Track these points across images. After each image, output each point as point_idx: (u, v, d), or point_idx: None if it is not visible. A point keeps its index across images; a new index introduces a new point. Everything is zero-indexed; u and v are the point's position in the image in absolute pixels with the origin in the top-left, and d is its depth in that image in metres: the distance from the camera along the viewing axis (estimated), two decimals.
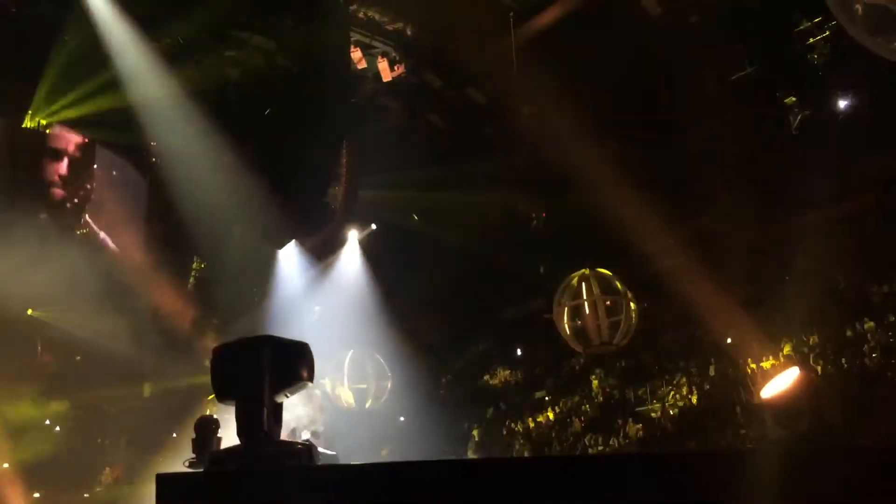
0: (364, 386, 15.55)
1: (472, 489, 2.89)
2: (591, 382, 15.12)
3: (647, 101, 12.97)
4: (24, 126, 12.59)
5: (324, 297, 16.56)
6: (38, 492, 14.13)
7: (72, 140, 13.55)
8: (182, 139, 13.08)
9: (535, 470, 3.03)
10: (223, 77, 13.41)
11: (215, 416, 4.68)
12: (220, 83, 13.32)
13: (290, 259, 16.15)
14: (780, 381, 4.78)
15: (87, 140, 13.76)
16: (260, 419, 3.56)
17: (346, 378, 15.31)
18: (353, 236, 16.53)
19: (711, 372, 13.30)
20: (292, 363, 3.71)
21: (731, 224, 12.70)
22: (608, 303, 12.38)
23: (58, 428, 15.64)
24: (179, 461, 4.54)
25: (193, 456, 4.45)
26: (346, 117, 13.96)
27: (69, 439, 15.48)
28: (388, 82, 14.72)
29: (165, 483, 3.50)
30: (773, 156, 12.81)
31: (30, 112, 12.52)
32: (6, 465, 13.95)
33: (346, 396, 15.39)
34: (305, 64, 13.43)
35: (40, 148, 13.24)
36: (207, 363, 3.76)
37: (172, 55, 12.53)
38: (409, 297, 15.94)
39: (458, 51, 13.28)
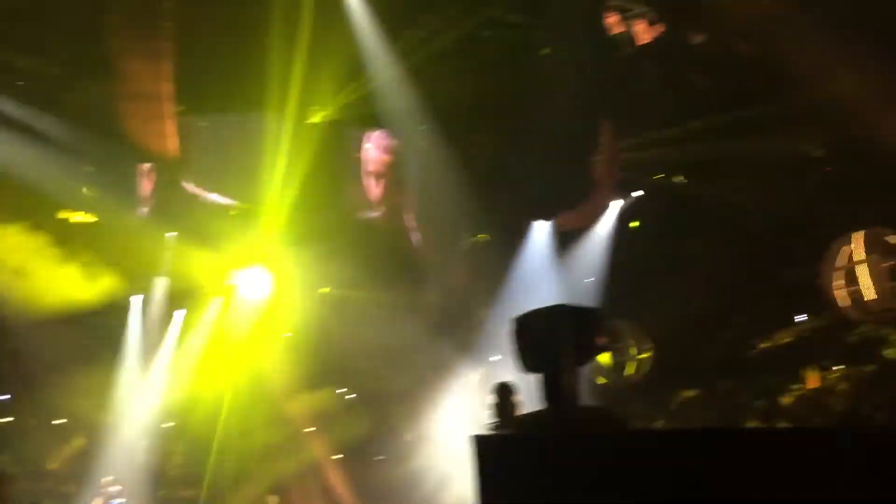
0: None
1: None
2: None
3: None
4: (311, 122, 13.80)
5: (576, 268, 16.65)
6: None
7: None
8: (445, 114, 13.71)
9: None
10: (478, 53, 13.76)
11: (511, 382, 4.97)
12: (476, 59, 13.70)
13: (541, 231, 16.47)
14: None
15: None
16: (564, 386, 3.70)
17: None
18: (616, 205, 16.32)
19: None
20: (590, 330, 3.84)
21: None
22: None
23: None
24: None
25: (497, 420, 4.73)
26: (602, 85, 13.84)
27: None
28: (645, 44, 14.38)
29: (481, 443, 3.75)
30: None
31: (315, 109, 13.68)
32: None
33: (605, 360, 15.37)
34: (559, 36, 13.49)
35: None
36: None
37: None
38: (677, 263, 15.44)
39: (721, 4, 12.63)
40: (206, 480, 15.44)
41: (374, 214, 14.60)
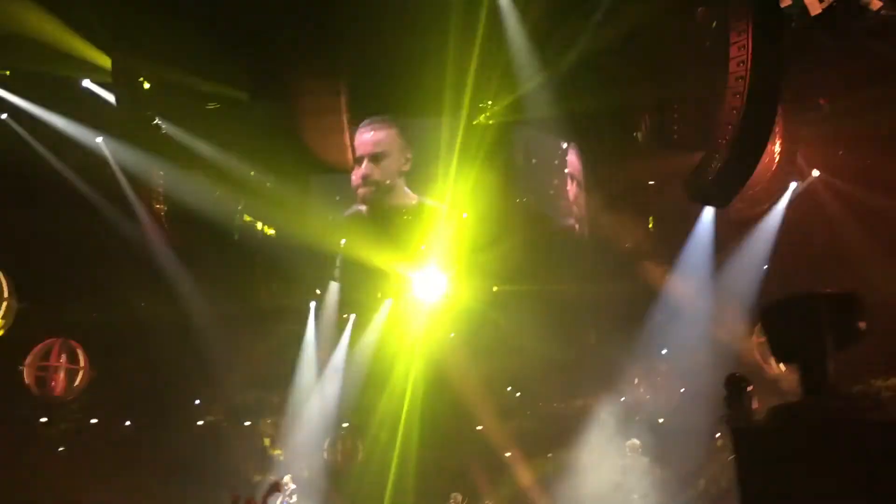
0: None
1: None
2: None
3: None
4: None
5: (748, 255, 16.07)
6: None
7: None
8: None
9: None
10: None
11: (742, 374, 4.86)
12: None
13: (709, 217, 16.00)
14: None
15: None
16: (825, 374, 3.58)
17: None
18: (791, 187, 15.60)
19: None
20: (851, 315, 3.69)
21: None
22: None
23: None
24: None
25: (730, 412, 4.64)
26: (775, 61, 13.20)
27: None
28: (816, 15, 13.64)
29: (740, 434, 3.71)
30: None
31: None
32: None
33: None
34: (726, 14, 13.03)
35: None
36: None
37: None
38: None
39: None
40: (391, 479, 15.93)
41: (571, 221, 14.57)
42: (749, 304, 15.42)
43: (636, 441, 15.34)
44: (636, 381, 17.20)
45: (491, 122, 14.14)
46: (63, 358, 15.21)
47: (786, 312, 3.71)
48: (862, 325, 3.71)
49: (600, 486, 14.97)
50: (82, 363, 15.30)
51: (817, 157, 15.14)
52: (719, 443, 16.37)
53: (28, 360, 14.96)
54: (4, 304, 13.20)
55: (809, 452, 3.53)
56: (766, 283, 15.59)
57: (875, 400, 3.63)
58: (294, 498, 15.31)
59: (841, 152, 14.95)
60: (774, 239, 15.84)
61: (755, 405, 4.68)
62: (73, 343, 15.33)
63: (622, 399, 16.86)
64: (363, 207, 15.02)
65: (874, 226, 14.14)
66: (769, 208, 15.77)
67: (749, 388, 4.75)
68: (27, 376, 14.86)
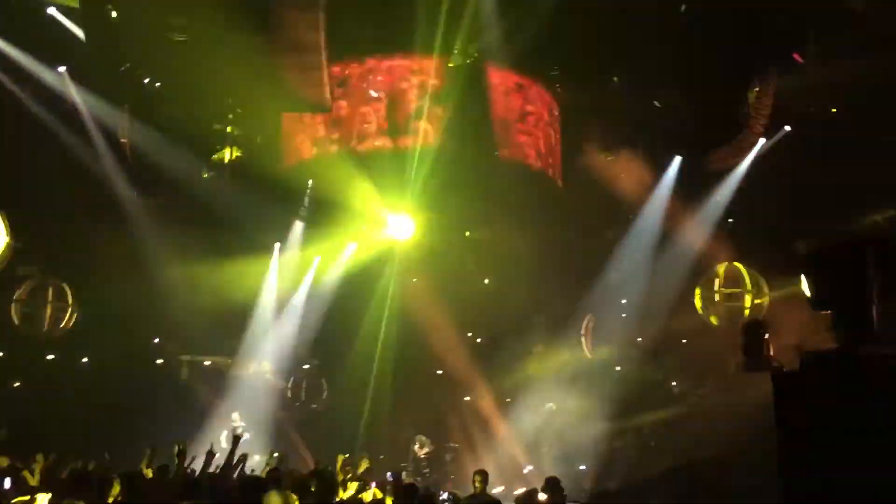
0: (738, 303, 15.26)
1: None
2: None
3: None
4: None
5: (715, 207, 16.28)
6: None
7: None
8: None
9: None
10: None
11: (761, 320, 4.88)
12: None
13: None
14: None
15: None
16: (870, 321, 3.60)
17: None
18: (760, 143, 15.73)
19: None
20: (890, 257, 3.70)
21: None
22: None
23: None
24: None
25: (749, 359, 4.67)
26: (754, 16, 13.19)
27: None
28: None
29: (780, 380, 3.74)
30: None
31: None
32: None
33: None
34: None
35: None
36: None
37: None
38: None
39: None
40: (364, 418, 15.97)
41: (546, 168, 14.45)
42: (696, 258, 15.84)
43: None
44: (589, 329, 17.43)
45: (467, 61, 13.85)
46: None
47: (831, 257, 3.71)
48: None
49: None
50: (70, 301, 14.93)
51: (789, 113, 15.25)
52: (676, 390, 16.81)
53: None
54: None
55: (848, 399, 3.56)
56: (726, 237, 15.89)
57: None
58: (246, 435, 15.20)
59: (812, 108, 15.08)
60: (735, 193, 16.09)
61: (772, 352, 4.71)
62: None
63: (581, 345, 17.19)
64: (334, 147, 14.68)
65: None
66: (739, 162, 15.97)
67: (766, 336, 4.77)
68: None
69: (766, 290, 15.08)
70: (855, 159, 13.69)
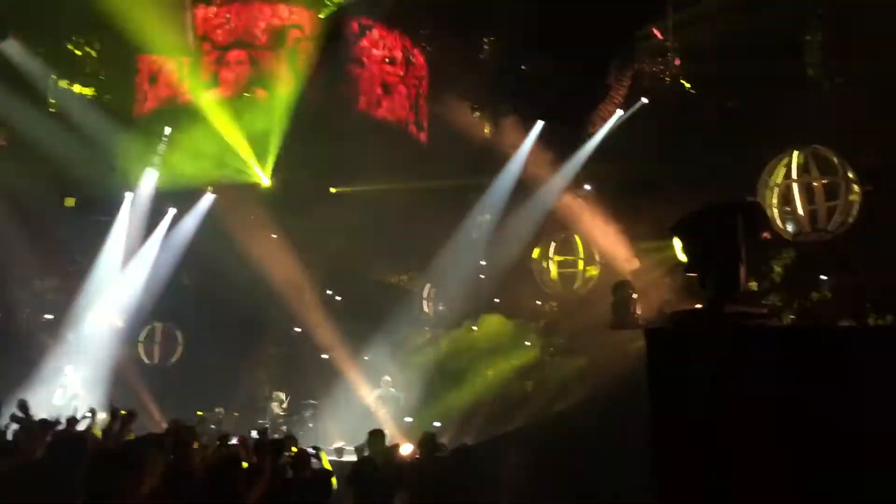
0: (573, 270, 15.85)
1: None
2: None
3: None
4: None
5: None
6: None
7: None
8: None
9: None
10: None
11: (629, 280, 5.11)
12: None
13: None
14: None
15: None
16: (737, 277, 3.81)
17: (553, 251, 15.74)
18: (617, 114, 16.28)
19: None
20: (758, 225, 3.96)
21: None
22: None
23: None
24: None
25: (617, 317, 4.86)
26: None
27: None
28: None
29: (653, 335, 3.89)
30: None
31: None
32: None
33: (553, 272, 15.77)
34: None
35: None
36: None
37: None
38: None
39: None
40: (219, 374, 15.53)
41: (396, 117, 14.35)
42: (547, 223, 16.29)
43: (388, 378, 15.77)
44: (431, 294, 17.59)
45: (324, 14, 13.59)
46: None
47: (703, 220, 3.89)
48: (766, 234, 3.99)
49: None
50: None
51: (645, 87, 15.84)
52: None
53: None
54: None
55: (718, 354, 3.74)
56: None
57: (773, 310, 3.93)
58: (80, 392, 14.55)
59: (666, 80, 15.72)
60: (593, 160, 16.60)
61: (638, 311, 4.93)
62: None
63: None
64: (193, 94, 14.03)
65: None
66: (595, 132, 16.46)
67: (634, 295, 4.99)
68: None
69: (598, 260, 15.58)
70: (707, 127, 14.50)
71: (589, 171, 16.29)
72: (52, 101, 13.35)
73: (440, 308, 17.45)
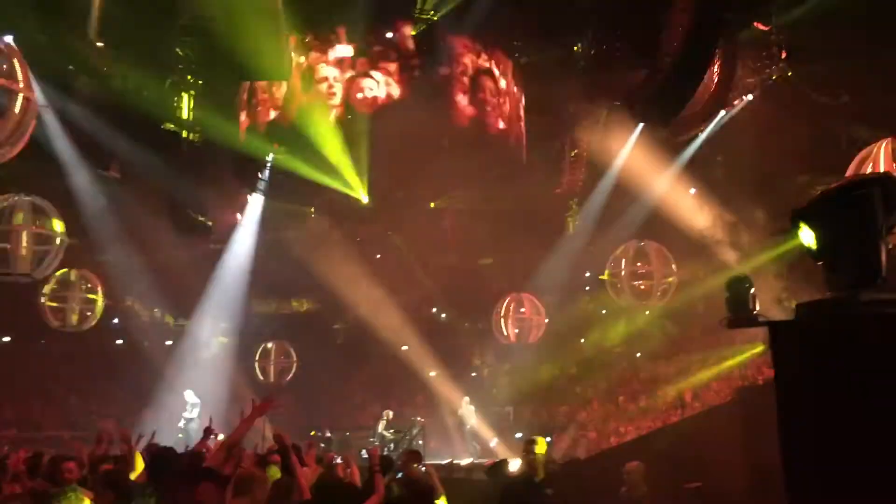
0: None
1: None
2: None
3: None
4: None
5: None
6: None
7: None
8: None
9: None
10: None
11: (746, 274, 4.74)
12: None
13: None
14: None
15: None
16: (876, 262, 3.41)
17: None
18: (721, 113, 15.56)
19: None
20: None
21: None
22: None
23: None
24: None
25: (735, 314, 4.49)
26: None
27: None
28: None
29: (779, 329, 3.53)
30: None
31: None
32: None
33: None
34: None
35: None
36: None
37: None
38: None
39: None
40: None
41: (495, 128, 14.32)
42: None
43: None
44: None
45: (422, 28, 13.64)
46: None
47: (834, 200, 3.50)
48: None
49: None
50: None
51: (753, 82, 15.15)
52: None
53: None
54: None
55: (856, 347, 3.37)
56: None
57: None
58: (195, 413, 14.83)
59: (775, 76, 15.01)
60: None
61: (757, 307, 4.54)
62: None
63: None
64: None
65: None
66: (699, 132, 15.83)
67: (752, 290, 4.60)
68: None
69: (674, 268, 14.98)
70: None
71: (693, 171, 15.71)
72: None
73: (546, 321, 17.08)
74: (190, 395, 15.18)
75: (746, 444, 7.07)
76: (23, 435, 13.51)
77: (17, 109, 9.03)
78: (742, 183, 14.80)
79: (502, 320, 15.97)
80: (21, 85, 9.05)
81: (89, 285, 14.22)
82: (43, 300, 13.85)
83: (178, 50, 12.29)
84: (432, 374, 16.93)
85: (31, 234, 11.65)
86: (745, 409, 7.90)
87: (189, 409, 15.01)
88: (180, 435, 13.81)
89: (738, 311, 4.54)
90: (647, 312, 16.01)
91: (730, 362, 13.47)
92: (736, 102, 15.13)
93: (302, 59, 13.54)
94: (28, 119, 9.15)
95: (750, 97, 15.43)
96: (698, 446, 7.48)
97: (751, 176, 14.77)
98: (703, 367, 14.04)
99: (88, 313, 14.19)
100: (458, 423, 15.11)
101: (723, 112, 15.40)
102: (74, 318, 14.02)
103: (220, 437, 10.31)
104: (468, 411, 14.94)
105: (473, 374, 17.43)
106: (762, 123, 14.92)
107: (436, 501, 6.71)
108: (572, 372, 16.48)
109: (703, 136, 15.84)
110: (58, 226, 11.93)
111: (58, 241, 11.85)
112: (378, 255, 17.01)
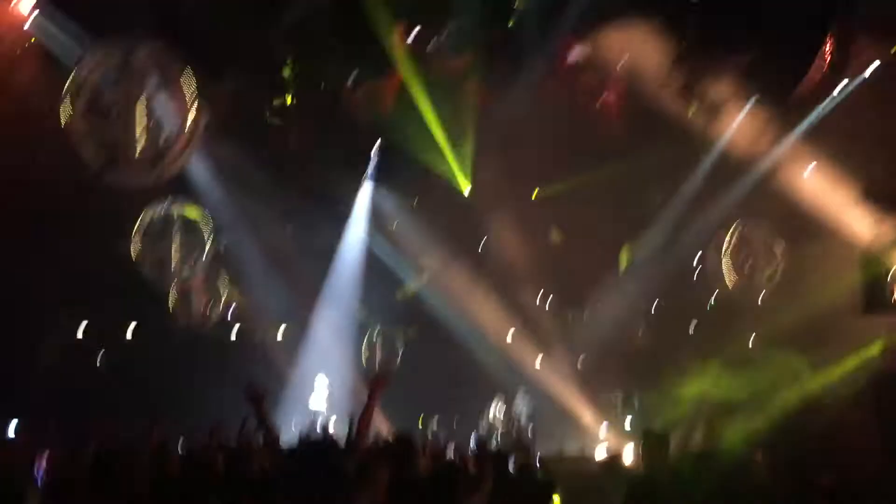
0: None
1: None
2: None
3: None
4: None
5: None
6: None
7: None
8: None
9: None
10: None
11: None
12: None
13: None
14: None
15: None
16: None
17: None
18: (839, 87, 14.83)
19: None
20: None
21: None
22: None
23: None
24: None
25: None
26: None
27: None
28: None
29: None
30: None
31: None
32: None
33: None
34: None
35: None
36: None
37: None
38: None
39: None
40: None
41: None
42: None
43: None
44: None
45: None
46: None
47: None
48: None
49: None
50: None
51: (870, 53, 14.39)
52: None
53: None
54: None
55: None
56: None
57: None
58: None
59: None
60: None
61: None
62: None
63: None
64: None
65: None
66: (813, 108, 15.19)
67: (892, 270, 4.38)
68: None
69: (778, 254, 14.41)
70: None
71: (808, 146, 15.09)
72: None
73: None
74: (319, 383, 15.66)
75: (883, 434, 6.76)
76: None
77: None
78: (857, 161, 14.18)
79: None
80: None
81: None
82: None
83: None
84: (537, 361, 17.00)
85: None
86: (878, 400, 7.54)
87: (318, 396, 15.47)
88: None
89: (876, 296, 4.32)
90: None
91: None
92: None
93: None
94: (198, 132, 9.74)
95: (867, 74, 14.73)
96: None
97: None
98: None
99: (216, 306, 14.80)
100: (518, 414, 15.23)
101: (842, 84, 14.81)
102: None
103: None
104: (523, 401, 15.21)
105: (578, 367, 17.37)
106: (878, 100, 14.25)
107: (553, 495, 6.70)
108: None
109: (816, 112, 15.28)
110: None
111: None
112: (479, 249, 17.18)
